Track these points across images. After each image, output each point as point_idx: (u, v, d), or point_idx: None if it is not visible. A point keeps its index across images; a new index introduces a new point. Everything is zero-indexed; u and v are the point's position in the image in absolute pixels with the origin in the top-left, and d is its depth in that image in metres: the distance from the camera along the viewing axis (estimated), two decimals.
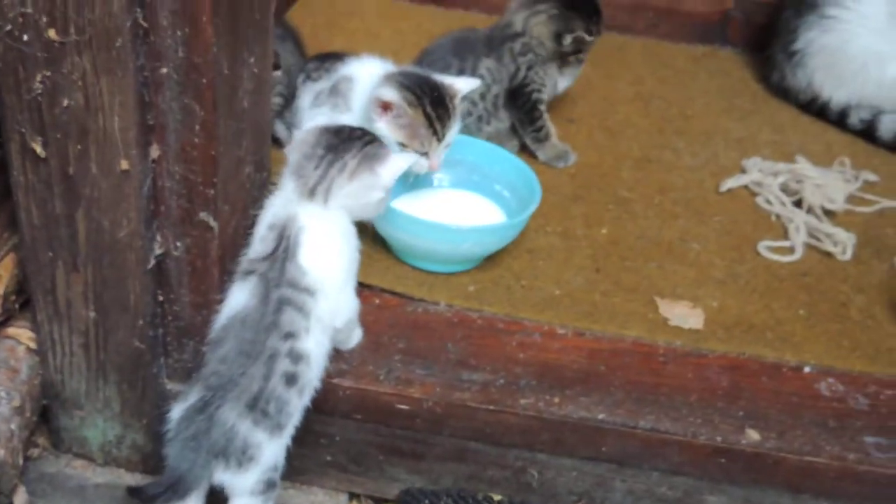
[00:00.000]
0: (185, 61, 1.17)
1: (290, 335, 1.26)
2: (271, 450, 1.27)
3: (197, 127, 1.21)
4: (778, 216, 1.78)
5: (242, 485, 1.28)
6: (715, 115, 2.08)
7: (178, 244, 1.31)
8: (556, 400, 1.40)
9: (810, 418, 1.41)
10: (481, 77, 1.77)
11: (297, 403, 1.28)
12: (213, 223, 1.29)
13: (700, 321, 1.54)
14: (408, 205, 1.63)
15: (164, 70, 1.18)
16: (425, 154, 1.53)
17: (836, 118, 2.06)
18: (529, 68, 1.80)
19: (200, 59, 1.16)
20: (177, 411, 1.27)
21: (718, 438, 1.36)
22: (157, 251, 1.31)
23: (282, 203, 1.31)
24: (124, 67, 1.15)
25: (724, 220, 1.77)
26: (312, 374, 1.29)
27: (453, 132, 1.56)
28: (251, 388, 1.24)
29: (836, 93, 2.05)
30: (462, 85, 1.57)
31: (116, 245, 1.28)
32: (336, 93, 1.64)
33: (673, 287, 1.60)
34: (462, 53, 1.79)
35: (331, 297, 1.28)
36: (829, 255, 1.71)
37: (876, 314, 1.59)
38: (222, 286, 1.36)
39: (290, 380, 1.26)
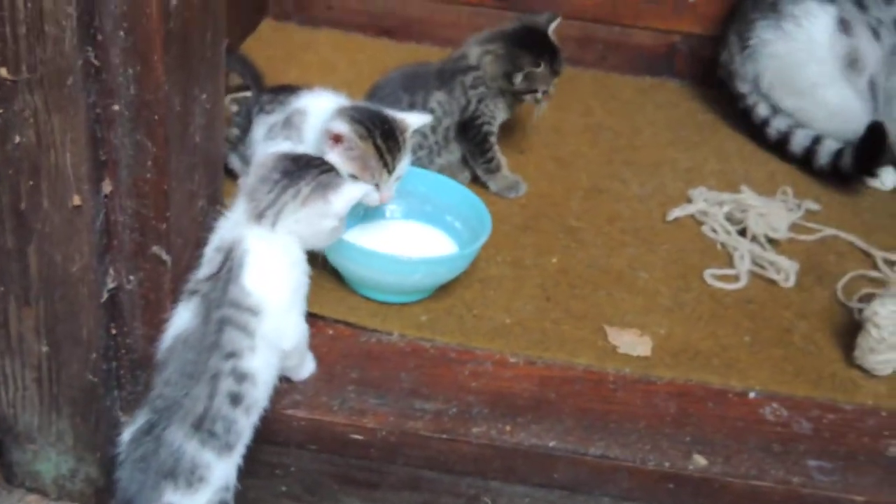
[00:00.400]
0: (136, 98, 1.19)
1: (232, 354, 1.25)
2: (221, 470, 1.26)
3: (149, 162, 1.23)
4: (723, 245, 1.82)
5: None
6: (662, 146, 2.12)
7: (131, 278, 1.33)
8: (508, 428, 1.42)
9: (755, 443, 1.44)
10: (432, 111, 1.80)
11: (244, 423, 1.27)
12: (165, 257, 1.30)
13: (648, 348, 1.57)
14: (360, 236, 1.65)
15: (116, 107, 1.20)
16: (376, 186, 1.55)
17: (777, 138, 2.10)
18: (480, 101, 1.83)
19: (152, 97, 1.18)
20: (126, 434, 1.26)
21: (667, 464, 1.39)
22: (110, 285, 1.32)
23: (230, 226, 1.30)
24: (76, 105, 1.16)
25: (671, 249, 1.80)
26: (259, 393, 1.28)
27: (404, 165, 1.58)
28: (195, 409, 1.24)
29: (783, 100, 2.08)
30: (413, 120, 1.60)
31: (69, 279, 1.29)
32: (289, 125, 1.65)
33: (622, 315, 1.64)
34: (412, 88, 1.82)
35: (276, 317, 1.28)
36: (772, 282, 1.75)
37: (818, 340, 1.63)
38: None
39: (235, 399, 1.25)
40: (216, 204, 1.43)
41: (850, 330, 1.62)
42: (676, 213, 1.88)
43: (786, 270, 1.75)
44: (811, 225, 1.90)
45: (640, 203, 1.92)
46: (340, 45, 2.37)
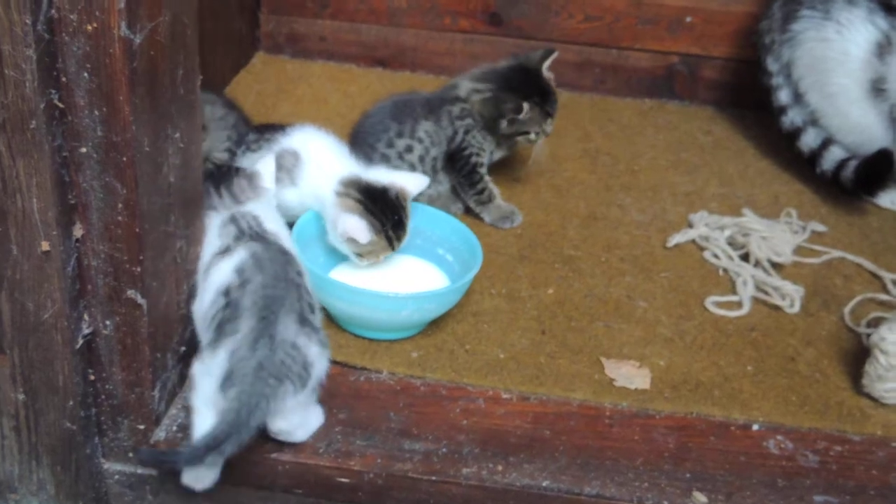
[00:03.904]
0: (104, 140, 1.16)
1: (300, 273, 1.38)
2: (320, 367, 1.32)
3: (120, 205, 1.20)
4: (725, 270, 1.77)
5: (300, 401, 1.31)
6: (662, 170, 2.08)
7: (107, 323, 1.29)
8: (500, 468, 1.37)
9: (759, 478, 1.39)
10: (419, 140, 1.77)
11: (322, 332, 1.35)
12: (141, 301, 1.27)
13: (647, 381, 1.52)
14: (351, 272, 1.62)
15: (84, 149, 1.17)
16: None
17: (790, 129, 2.04)
18: (467, 132, 1.79)
19: (119, 138, 1.15)
20: (223, 352, 1.26)
21: (665, 503, 1.33)
22: (86, 330, 1.29)
23: (217, 217, 1.44)
24: (40, 149, 1.13)
25: (671, 277, 1.76)
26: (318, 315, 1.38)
27: (407, 238, 1.61)
28: (295, 304, 1.30)
29: (808, 94, 2.01)
30: (413, 187, 1.60)
31: (42, 326, 1.25)
32: (279, 167, 1.63)
33: (619, 346, 1.59)
34: (400, 117, 1.78)
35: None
36: (777, 308, 1.69)
37: (824, 368, 1.58)
38: (155, 363, 1.34)
39: (312, 308, 1.35)
40: (195, 245, 1.40)
41: (858, 356, 1.57)
42: (676, 238, 1.83)
43: (790, 296, 1.70)
44: (817, 247, 1.85)
45: (639, 230, 1.88)
46: (333, 76, 2.34)
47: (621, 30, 2.28)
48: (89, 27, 1.09)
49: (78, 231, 1.22)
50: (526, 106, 1.79)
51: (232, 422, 1.21)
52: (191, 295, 1.39)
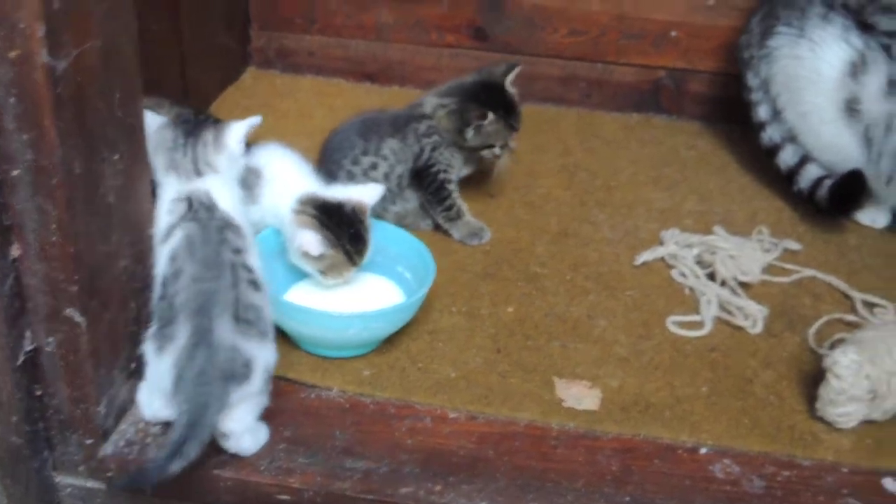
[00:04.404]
0: (33, 163, 1.18)
1: (237, 251, 1.38)
2: (264, 358, 1.35)
3: (53, 226, 1.23)
4: (692, 289, 1.76)
5: (249, 391, 1.34)
6: (640, 186, 2.06)
7: (50, 340, 1.32)
8: (438, 488, 1.37)
9: (700, 502, 1.37)
10: (385, 157, 1.79)
11: (267, 310, 1.37)
12: (79, 319, 1.30)
13: (596, 402, 1.52)
14: (310, 290, 1.64)
15: (16, 172, 1.19)
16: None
17: (768, 146, 2.02)
18: (434, 149, 1.80)
19: (47, 161, 1.18)
20: (167, 360, 1.31)
21: None
22: (27, 347, 1.32)
23: (175, 189, 1.43)
24: None
25: (635, 295, 1.74)
26: (266, 289, 1.39)
27: (369, 253, 1.61)
28: (229, 297, 1.33)
29: (785, 112, 1.98)
30: (368, 198, 1.61)
31: None
32: (244, 185, 1.65)
33: (574, 366, 1.58)
34: (367, 134, 1.80)
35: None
36: (740, 329, 1.67)
37: (781, 390, 1.55)
38: (99, 380, 1.37)
39: (255, 285, 1.37)
40: (143, 262, 1.42)
41: (818, 379, 1.53)
42: (645, 256, 1.82)
43: (753, 316, 1.68)
44: (789, 266, 1.82)
45: (608, 247, 1.87)
46: (321, 91, 2.36)
47: (606, 44, 2.27)
48: (12, 54, 1.12)
49: (15, 251, 1.25)
50: (491, 115, 1.79)
51: (187, 425, 1.27)
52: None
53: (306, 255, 1.57)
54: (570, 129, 2.27)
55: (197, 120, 1.52)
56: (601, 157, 2.17)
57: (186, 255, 1.36)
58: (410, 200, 1.83)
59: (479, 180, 1.99)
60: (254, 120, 1.53)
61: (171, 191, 1.44)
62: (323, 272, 1.59)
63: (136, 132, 1.35)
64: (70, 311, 1.29)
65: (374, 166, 1.79)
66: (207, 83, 2.22)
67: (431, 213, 1.84)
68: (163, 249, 1.39)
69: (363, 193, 1.61)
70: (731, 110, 2.24)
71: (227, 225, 1.40)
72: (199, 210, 1.41)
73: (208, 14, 2.21)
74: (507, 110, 1.82)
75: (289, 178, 1.63)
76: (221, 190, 1.45)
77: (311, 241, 1.55)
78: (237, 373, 1.31)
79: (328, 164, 1.80)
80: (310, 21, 2.36)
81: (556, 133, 2.24)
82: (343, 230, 1.57)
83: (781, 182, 2.03)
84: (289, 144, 1.80)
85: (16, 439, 1.37)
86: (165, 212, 1.42)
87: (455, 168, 1.84)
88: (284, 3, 2.37)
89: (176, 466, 1.27)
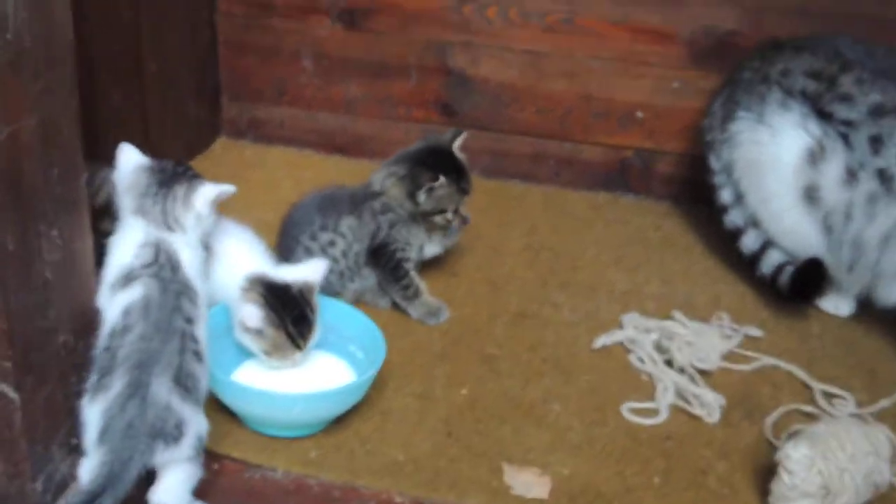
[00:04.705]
0: None
1: (189, 320, 1.40)
2: (196, 424, 1.37)
3: None
4: (650, 375, 1.73)
5: (178, 456, 1.35)
6: (603, 266, 2.05)
7: None
8: None
9: None
10: (342, 235, 1.77)
11: (204, 382, 1.41)
12: (13, 395, 1.28)
13: (545, 490, 1.48)
14: (260, 367, 1.61)
15: None
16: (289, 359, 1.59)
17: (731, 230, 2.00)
18: (391, 227, 1.79)
19: None
20: (99, 405, 1.32)
21: None
22: None
23: (143, 231, 1.45)
24: None
25: (592, 380, 1.72)
26: (206, 360, 1.42)
27: (315, 337, 1.59)
28: (173, 362, 1.35)
29: (747, 196, 1.96)
30: (313, 276, 1.60)
31: None
32: None
33: (525, 452, 1.55)
34: (326, 210, 1.79)
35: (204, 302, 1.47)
36: (696, 417, 1.65)
37: (736, 482, 1.52)
38: (34, 456, 1.34)
39: (198, 357, 1.40)
40: (86, 337, 1.40)
41: (773, 472, 1.50)
42: (603, 340, 1.80)
43: (709, 405, 1.65)
44: (749, 353, 1.80)
45: (567, 329, 1.85)
46: (291, 162, 2.36)
47: (573, 123, 2.28)
48: None
49: None
50: (442, 177, 1.79)
51: (106, 476, 1.27)
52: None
53: (249, 332, 1.56)
54: (537, 207, 2.26)
55: (174, 171, 1.52)
56: (566, 235, 2.16)
57: (140, 315, 1.37)
58: (368, 278, 1.82)
59: (443, 259, 1.97)
60: (227, 188, 1.54)
61: (138, 234, 1.45)
62: (267, 352, 1.57)
63: (76, 208, 1.34)
64: (3, 387, 1.27)
65: (331, 243, 1.78)
66: (171, 153, 2.20)
67: (389, 291, 1.83)
68: (117, 296, 1.40)
69: (308, 272, 1.60)
70: (698, 191, 2.23)
71: (185, 290, 1.42)
72: (164, 266, 1.42)
73: (176, 84, 2.22)
74: (457, 174, 1.82)
75: (239, 255, 1.62)
76: (185, 250, 1.47)
77: (251, 314, 1.54)
78: (167, 432, 1.32)
79: (287, 240, 1.79)
80: (279, 92, 2.37)
81: (523, 210, 2.24)
82: (287, 311, 1.55)
83: (744, 266, 2.02)
84: (254, 216, 1.81)
85: None
86: (130, 254, 1.43)
87: (413, 246, 1.82)
88: (255, 74, 2.38)
89: None
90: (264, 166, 2.34)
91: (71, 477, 1.43)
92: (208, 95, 2.36)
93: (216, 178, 2.19)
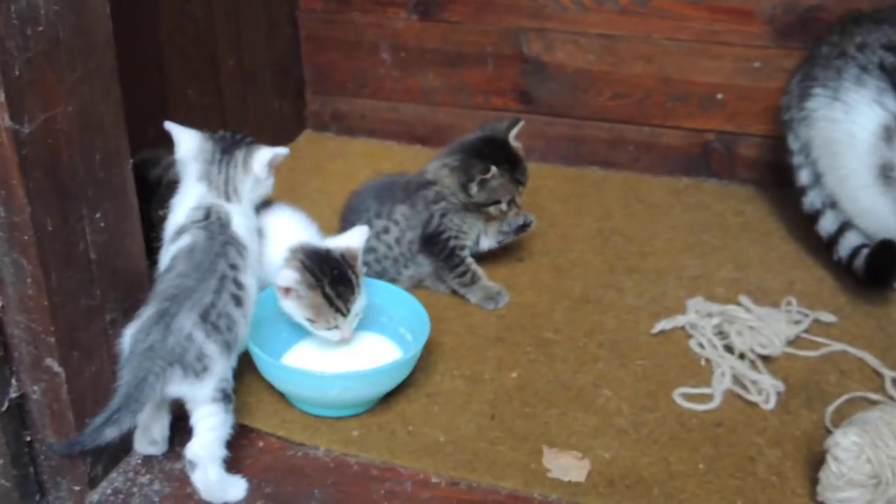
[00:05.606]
0: (6, 220, 1.25)
1: (234, 266, 1.47)
2: (222, 364, 1.40)
3: (28, 280, 1.29)
4: (708, 360, 1.68)
5: (201, 394, 1.39)
6: (675, 252, 2.00)
7: (35, 388, 1.38)
8: None
9: None
10: (396, 222, 1.80)
11: (242, 327, 1.46)
12: (58, 369, 1.35)
13: (583, 473, 1.46)
14: (312, 349, 1.65)
15: None
16: (336, 327, 1.59)
17: (809, 212, 1.93)
18: (443, 215, 1.80)
19: (18, 218, 1.25)
20: (130, 328, 1.38)
21: None
22: (13, 394, 1.38)
23: (199, 195, 1.54)
24: None
25: (647, 365, 1.68)
26: (248, 308, 1.48)
27: (359, 303, 1.60)
28: (204, 300, 1.40)
29: (825, 176, 1.89)
30: (356, 242, 1.61)
31: None
32: None
33: (567, 436, 1.53)
34: (382, 198, 1.82)
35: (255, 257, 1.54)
36: (752, 404, 1.59)
37: (785, 471, 1.46)
38: (83, 428, 1.41)
39: (237, 301, 1.45)
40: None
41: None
42: (662, 325, 1.76)
43: (766, 391, 1.59)
44: (819, 339, 1.72)
45: (629, 314, 1.81)
46: (371, 153, 2.41)
47: (651, 107, 2.23)
48: None
49: None
50: (494, 168, 1.78)
51: (124, 395, 1.33)
52: None
53: (289, 298, 1.58)
54: (614, 193, 2.23)
55: (234, 139, 1.61)
56: (641, 221, 2.12)
57: (184, 257, 1.46)
58: (424, 265, 1.83)
59: (509, 245, 1.97)
60: (281, 150, 1.62)
61: (195, 197, 1.54)
62: (311, 320, 1.58)
63: (122, 191, 1.41)
64: (49, 362, 1.35)
65: (385, 230, 1.80)
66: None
67: (445, 278, 1.83)
68: (169, 249, 1.50)
69: (350, 238, 1.62)
70: (783, 174, 2.14)
71: (233, 241, 1.50)
72: (213, 222, 1.51)
73: (257, 79, 2.29)
74: (511, 164, 1.81)
75: (290, 237, 1.65)
76: (238, 216, 1.54)
77: (285, 275, 1.56)
78: (187, 362, 1.37)
79: (345, 225, 1.82)
80: (360, 85, 2.42)
81: (599, 197, 2.21)
82: (325, 272, 1.56)
83: (824, 251, 1.93)
84: (332, 205, 1.85)
85: (4, 482, 1.43)
86: (183, 216, 1.52)
87: (468, 234, 1.82)
88: (336, 68, 2.44)
89: (109, 434, 1.32)
90: (346, 158, 2.39)
91: (123, 451, 1.50)
92: (292, 89, 2.43)
93: (292, 172, 2.29)
